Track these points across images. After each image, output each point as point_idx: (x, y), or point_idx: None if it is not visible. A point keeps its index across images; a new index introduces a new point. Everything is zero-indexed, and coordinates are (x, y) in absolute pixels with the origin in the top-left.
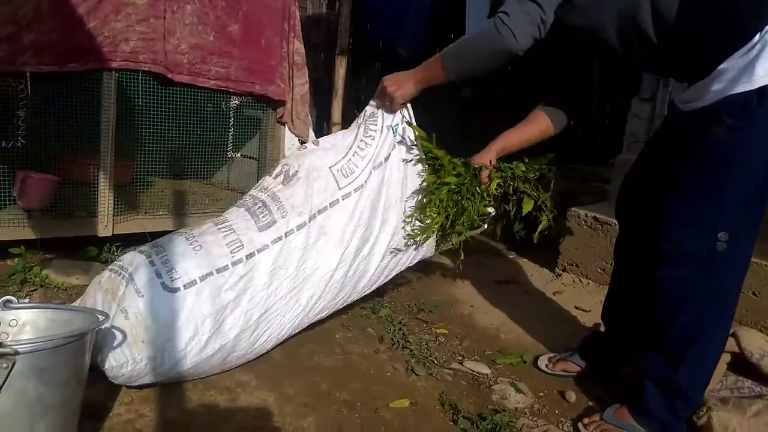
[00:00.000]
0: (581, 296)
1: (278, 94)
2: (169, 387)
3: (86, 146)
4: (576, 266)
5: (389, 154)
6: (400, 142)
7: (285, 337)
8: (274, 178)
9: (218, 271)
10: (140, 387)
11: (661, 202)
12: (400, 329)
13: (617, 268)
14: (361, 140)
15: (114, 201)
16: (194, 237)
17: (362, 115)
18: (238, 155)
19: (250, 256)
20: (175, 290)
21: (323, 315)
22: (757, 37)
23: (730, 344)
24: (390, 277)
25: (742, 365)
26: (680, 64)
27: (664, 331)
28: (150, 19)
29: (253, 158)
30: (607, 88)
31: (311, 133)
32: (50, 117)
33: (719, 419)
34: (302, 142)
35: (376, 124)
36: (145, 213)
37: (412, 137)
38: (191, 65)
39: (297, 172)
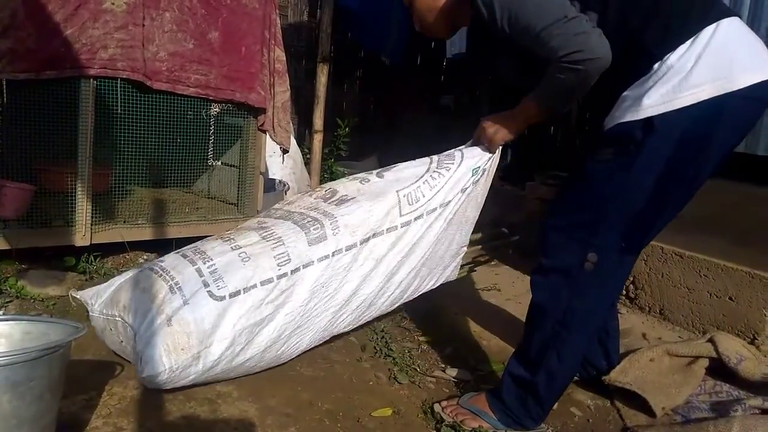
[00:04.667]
0: None
1: (259, 101)
2: (148, 399)
3: (63, 154)
4: None
5: (457, 194)
6: (475, 183)
7: (307, 349)
8: (324, 201)
9: (262, 283)
10: (120, 399)
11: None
12: (383, 337)
13: None
14: (435, 171)
15: (92, 210)
16: (240, 246)
17: (430, 163)
18: (219, 163)
19: (295, 271)
20: (221, 299)
21: (345, 330)
22: (656, 66)
23: (708, 349)
24: (410, 298)
25: (720, 370)
26: (600, 94)
27: (528, 335)
28: (128, 26)
29: (233, 166)
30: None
31: (292, 141)
32: (26, 125)
33: None
34: (284, 151)
35: (452, 162)
36: (124, 222)
37: (488, 180)
38: (170, 73)
39: (355, 197)
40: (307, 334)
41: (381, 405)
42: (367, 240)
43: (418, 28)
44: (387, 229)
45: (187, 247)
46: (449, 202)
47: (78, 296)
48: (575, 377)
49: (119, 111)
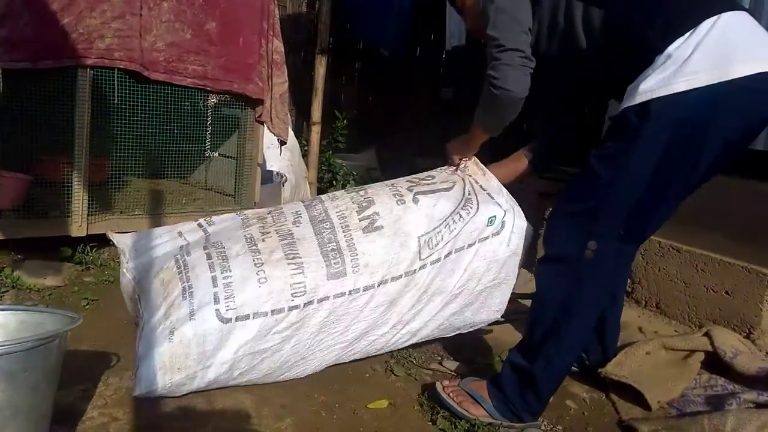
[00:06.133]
0: None
1: (257, 92)
2: None
3: (60, 145)
4: None
5: (475, 242)
6: (494, 235)
7: (305, 375)
8: (360, 219)
9: (273, 312)
10: (116, 390)
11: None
12: None
13: None
14: (457, 213)
15: (88, 200)
16: (262, 263)
17: (464, 191)
18: (216, 154)
19: (308, 304)
20: (227, 321)
21: (353, 359)
22: (656, 58)
23: (704, 343)
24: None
25: (716, 364)
26: (609, 83)
27: (531, 324)
28: (126, 16)
29: (231, 157)
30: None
31: (290, 133)
32: (23, 114)
33: None
34: (282, 142)
35: (471, 205)
36: (121, 213)
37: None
38: (168, 63)
39: (383, 227)
40: (312, 364)
41: (377, 397)
42: (385, 282)
43: (468, 29)
44: (405, 273)
45: (218, 231)
46: (467, 247)
47: (115, 240)
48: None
49: (116, 101)
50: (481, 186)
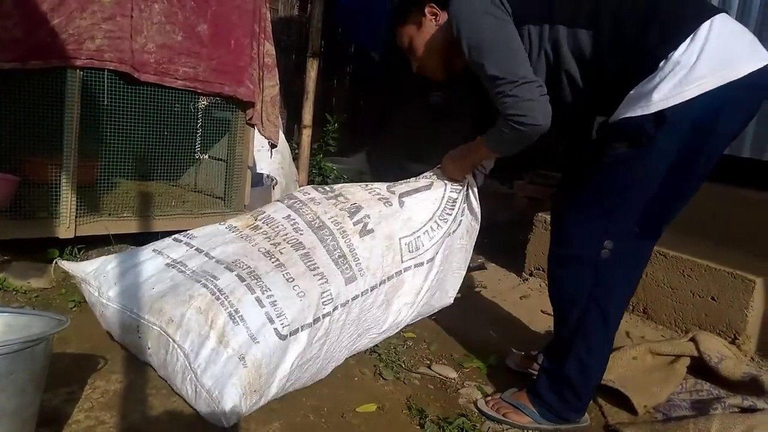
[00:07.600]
0: (547, 300)
1: (248, 95)
2: (131, 393)
3: (49, 145)
4: (542, 271)
5: (444, 241)
6: (453, 232)
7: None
8: (354, 223)
9: (314, 322)
10: (103, 393)
11: (565, 208)
12: None
13: None
14: (436, 222)
15: (76, 202)
16: (293, 278)
17: (444, 193)
18: (206, 157)
19: (335, 309)
20: (284, 337)
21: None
22: (661, 64)
23: (690, 348)
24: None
25: (701, 369)
26: (601, 100)
27: (557, 328)
28: (116, 17)
29: (221, 160)
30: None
31: (281, 136)
32: (11, 115)
33: None
34: (273, 145)
35: (453, 210)
36: (109, 215)
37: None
38: (158, 65)
39: (373, 230)
40: (332, 364)
41: (366, 401)
42: (384, 282)
43: (414, 69)
44: (395, 273)
45: (207, 243)
46: (441, 250)
47: (67, 268)
48: None
49: (106, 103)
50: (454, 188)
